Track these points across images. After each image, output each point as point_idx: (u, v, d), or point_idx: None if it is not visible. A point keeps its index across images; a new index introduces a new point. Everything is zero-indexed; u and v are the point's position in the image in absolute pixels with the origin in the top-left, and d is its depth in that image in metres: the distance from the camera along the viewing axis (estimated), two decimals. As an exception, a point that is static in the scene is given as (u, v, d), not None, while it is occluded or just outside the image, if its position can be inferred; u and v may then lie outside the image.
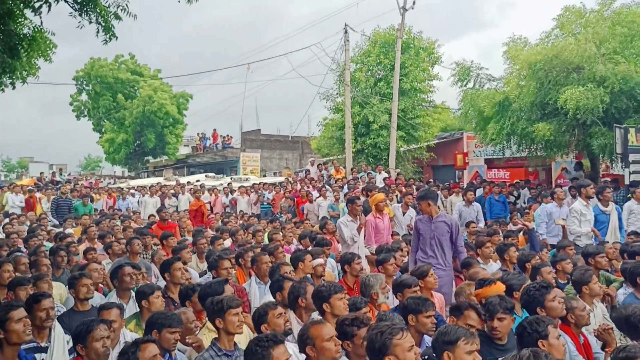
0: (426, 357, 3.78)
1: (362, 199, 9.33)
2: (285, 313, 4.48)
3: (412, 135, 23.36)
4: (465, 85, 17.27)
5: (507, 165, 19.96)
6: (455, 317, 4.25)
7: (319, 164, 22.00)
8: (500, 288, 4.78)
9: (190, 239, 10.43)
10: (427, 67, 24.04)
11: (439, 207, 8.16)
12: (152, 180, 25.46)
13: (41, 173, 29.91)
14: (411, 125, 23.07)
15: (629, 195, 10.57)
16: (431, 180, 16.43)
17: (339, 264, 7.29)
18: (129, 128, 37.57)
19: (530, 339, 3.66)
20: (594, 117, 13.77)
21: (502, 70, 17.67)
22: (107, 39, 7.16)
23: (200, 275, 7.35)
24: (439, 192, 13.34)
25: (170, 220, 11.30)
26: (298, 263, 6.34)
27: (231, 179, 23.87)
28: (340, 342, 3.64)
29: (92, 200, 16.69)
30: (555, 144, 15.17)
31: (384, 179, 15.85)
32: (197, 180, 22.98)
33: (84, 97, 40.67)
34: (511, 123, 15.31)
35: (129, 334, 4.56)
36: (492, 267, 7.12)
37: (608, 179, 15.09)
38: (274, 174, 27.30)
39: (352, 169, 19.80)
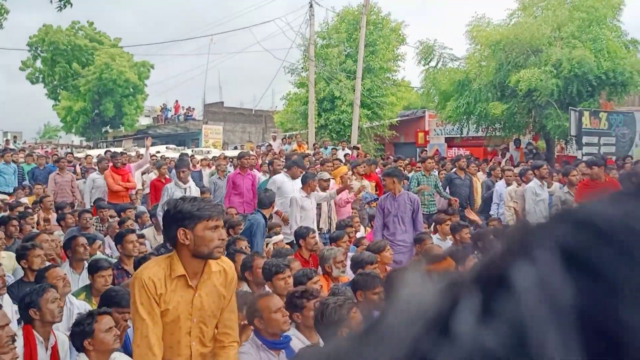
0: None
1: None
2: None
3: (377, 113, 23.50)
4: (428, 64, 17.45)
5: (466, 144, 20.31)
6: None
7: (282, 138, 21.96)
8: (450, 264, 4.91)
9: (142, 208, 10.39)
10: (395, 47, 24.13)
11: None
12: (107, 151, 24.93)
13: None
14: (376, 103, 23.18)
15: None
16: (392, 156, 16.58)
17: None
18: (85, 96, 36.50)
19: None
20: (549, 100, 14.12)
21: (464, 49, 17.89)
22: (62, 6, 6.98)
23: (157, 249, 7.32)
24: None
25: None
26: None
27: (192, 151, 23.61)
28: (289, 314, 3.72)
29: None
30: (512, 125, 15.50)
31: (345, 155, 15.92)
32: (158, 152, 22.63)
33: (38, 63, 39.31)
34: (468, 102, 15.56)
35: (75, 301, 4.55)
36: (449, 244, 7.32)
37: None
38: (235, 147, 27.09)
39: (314, 145, 19.83)
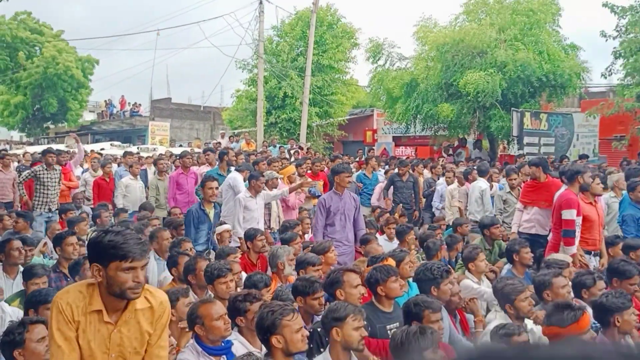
0: (316, 329, 3.90)
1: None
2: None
3: (327, 111, 23.59)
4: (376, 62, 17.60)
5: (413, 143, 20.62)
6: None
7: (230, 136, 21.74)
8: (391, 264, 4.98)
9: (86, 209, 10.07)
10: (346, 49, 24.28)
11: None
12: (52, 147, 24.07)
13: None
14: (326, 102, 23.27)
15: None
16: (341, 154, 16.64)
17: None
18: (26, 90, 35.07)
19: (412, 317, 3.87)
20: (493, 101, 14.50)
21: (413, 50, 18.15)
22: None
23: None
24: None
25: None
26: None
27: (138, 148, 23.08)
28: (231, 320, 3.68)
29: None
30: (457, 125, 15.83)
31: (293, 153, 15.91)
32: (102, 149, 22.03)
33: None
34: (416, 105, 15.82)
35: (8, 308, 4.37)
36: (394, 245, 7.41)
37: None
38: (180, 145, 26.63)
39: (263, 142, 19.74)
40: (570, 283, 4.82)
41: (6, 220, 7.72)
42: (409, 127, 17.49)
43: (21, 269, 5.33)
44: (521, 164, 10.30)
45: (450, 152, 16.90)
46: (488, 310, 5.37)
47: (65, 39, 37.21)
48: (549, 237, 6.90)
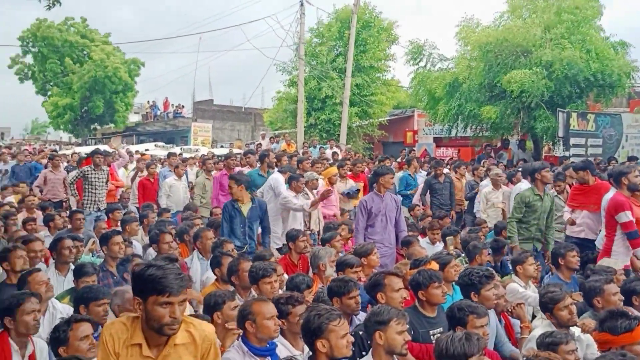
0: (358, 332, 3.89)
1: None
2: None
3: (366, 111, 23.50)
4: (417, 64, 17.46)
5: (454, 144, 20.34)
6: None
7: (271, 137, 21.90)
8: (434, 267, 4.92)
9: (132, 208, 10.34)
10: (386, 47, 24.13)
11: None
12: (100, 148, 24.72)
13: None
14: (366, 102, 23.19)
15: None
16: (385, 156, 16.46)
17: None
18: (76, 93, 36.15)
19: (456, 322, 3.82)
20: (538, 101, 14.18)
21: (454, 50, 17.91)
22: (51, 4, 6.92)
23: (144, 248, 7.28)
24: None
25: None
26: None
27: (181, 149, 23.49)
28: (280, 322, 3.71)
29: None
30: (500, 126, 15.54)
31: (333, 154, 15.92)
32: (146, 149, 22.51)
33: (29, 59, 38.85)
34: (459, 104, 15.60)
35: (59, 305, 4.50)
36: (438, 248, 7.34)
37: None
38: (222, 146, 26.95)
39: (303, 143, 19.80)
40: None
41: (57, 220, 7.96)
42: (451, 128, 17.26)
43: (72, 267, 5.49)
44: (566, 166, 10.05)
45: (492, 154, 16.63)
46: (534, 317, 5.26)
47: (112, 43, 38.21)
48: (597, 242, 6.73)
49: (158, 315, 2.53)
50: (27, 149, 22.05)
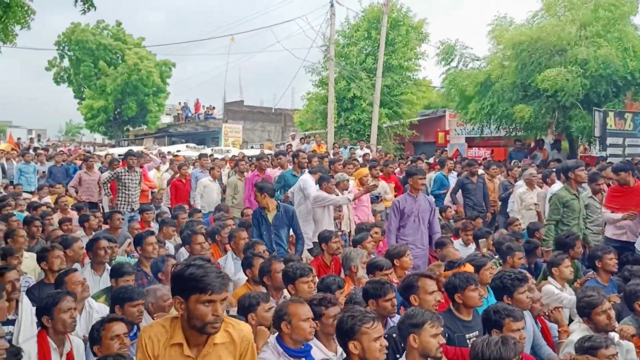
0: (391, 335, 3.85)
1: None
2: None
3: (396, 112, 23.37)
4: (449, 64, 17.27)
5: (487, 144, 20.07)
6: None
7: (301, 138, 21.95)
8: (469, 270, 4.85)
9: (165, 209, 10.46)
10: (415, 45, 23.95)
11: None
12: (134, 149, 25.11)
13: (19, 138, 29.45)
14: (396, 102, 23.06)
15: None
16: (421, 155, 16.26)
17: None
18: (110, 96, 36.84)
19: (492, 325, 3.75)
20: (574, 100, 13.88)
21: (487, 49, 17.66)
22: (86, 9, 7.05)
23: (176, 248, 7.35)
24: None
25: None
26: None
27: (212, 150, 23.72)
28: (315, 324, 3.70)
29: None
30: (534, 126, 15.26)
31: (364, 155, 15.84)
32: (178, 150, 22.78)
33: (65, 62, 39.75)
34: (491, 103, 15.35)
35: (95, 304, 4.58)
36: (472, 249, 7.23)
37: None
38: (252, 147, 27.14)
39: (333, 144, 19.78)
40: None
41: (92, 220, 8.09)
42: (483, 128, 17.01)
43: (107, 267, 5.58)
44: (602, 167, 9.80)
45: (525, 151, 16.34)
46: (570, 320, 5.15)
47: (144, 45, 38.77)
48: (637, 244, 6.56)
49: (201, 314, 2.54)
50: (62, 150, 22.54)
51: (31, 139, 32.61)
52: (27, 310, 4.22)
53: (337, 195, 8.07)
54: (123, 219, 8.16)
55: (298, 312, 3.59)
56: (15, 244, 6.07)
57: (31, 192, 12.74)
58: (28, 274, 5.57)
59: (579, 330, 4.29)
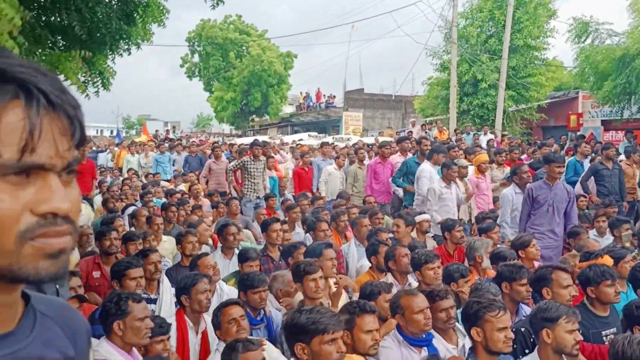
0: (519, 329, 3.67)
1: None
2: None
3: (523, 95, 22.20)
4: (583, 42, 16.10)
5: (626, 127, 18.51)
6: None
7: (422, 125, 21.55)
8: (607, 262, 4.50)
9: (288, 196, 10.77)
10: (543, 22, 22.55)
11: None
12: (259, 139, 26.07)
13: (156, 130, 31.70)
14: (522, 84, 21.92)
15: None
16: (550, 140, 15.24)
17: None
18: (237, 87, 38.56)
19: (635, 322, 3.46)
20: None
21: (627, 24, 16.23)
22: (215, 4, 7.36)
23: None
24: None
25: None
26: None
27: (333, 138, 24.00)
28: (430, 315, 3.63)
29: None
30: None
31: (489, 141, 15.22)
32: (300, 139, 23.31)
33: (196, 58, 42.17)
34: (629, 82, 14.09)
35: (225, 287, 4.82)
36: (609, 241, 6.71)
37: None
38: (372, 135, 27.09)
39: (455, 130, 19.21)
40: None
41: (220, 208, 8.53)
42: (623, 109, 15.69)
43: (236, 251, 5.85)
44: None
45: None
46: None
47: (268, 37, 40.10)
48: None
49: (327, 353, 2.69)
50: (194, 141, 23.96)
51: (167, 131, 35.01)
52: (167, 290, 4.55)
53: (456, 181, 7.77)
54: (244, 205, 8.47)
55: (410, 304, 3.54)
56: (151, 228, 6.56)
57: (168, 181, 13.65)
58: (165, 257, 5.99)
59: None
